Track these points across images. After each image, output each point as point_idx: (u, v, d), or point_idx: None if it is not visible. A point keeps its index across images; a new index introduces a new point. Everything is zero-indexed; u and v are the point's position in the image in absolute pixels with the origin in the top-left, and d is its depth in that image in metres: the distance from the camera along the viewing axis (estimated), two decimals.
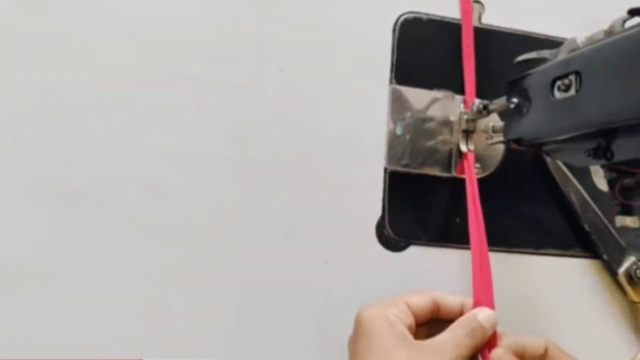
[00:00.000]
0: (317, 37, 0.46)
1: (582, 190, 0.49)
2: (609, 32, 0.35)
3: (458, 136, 0.47)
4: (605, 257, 0.49)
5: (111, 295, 0.41)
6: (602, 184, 0.49)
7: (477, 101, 0.46)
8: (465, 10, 0.48)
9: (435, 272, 0.47)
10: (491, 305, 0.40)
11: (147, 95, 0.43)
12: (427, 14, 0.48)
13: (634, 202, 0.37)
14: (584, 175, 0.49)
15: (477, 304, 0.40)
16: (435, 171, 0.47)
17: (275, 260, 0.44)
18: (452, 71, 0.48)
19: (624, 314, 0.50)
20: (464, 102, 0.47)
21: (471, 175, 0.46)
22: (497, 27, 0.49)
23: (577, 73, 0.35)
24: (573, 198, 0.49)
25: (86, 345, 0.40)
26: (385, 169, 0.46)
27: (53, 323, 0.40)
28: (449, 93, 0.48)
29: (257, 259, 0.44)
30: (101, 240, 0.41)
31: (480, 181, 0.47)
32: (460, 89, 0.48)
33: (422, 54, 0.48)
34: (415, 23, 0.48)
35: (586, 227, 0.49)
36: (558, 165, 0.49)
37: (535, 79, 0.40)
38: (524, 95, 0.40)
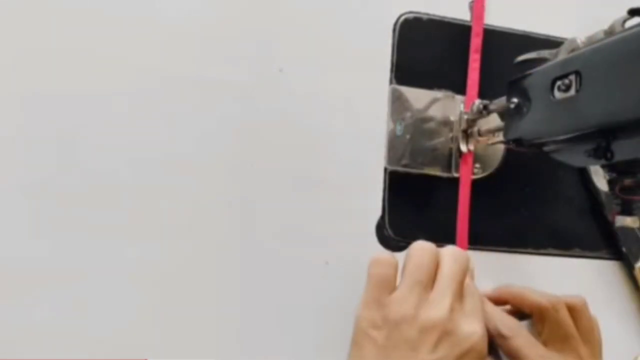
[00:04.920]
0: (317, 37, 0.46)
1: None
2: (609, 32, 0.35)
3: (458, 136, 0.47)
4: (624, 249, 0.49)
5: (112, 296, 0.41)
6: (602, 184, 0.49)
7: (477, 101, 0.46)
8: (478, 13, 0.48)
9: None
10: None
11: (146, 95, 0.43)
12: (427, 14, 0.48)
13: (634, 202, 0.37)
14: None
15: None
16: (435, 171, 0.47)
17: (276, 261, 0.44)
18: (452, 71, 0.48)
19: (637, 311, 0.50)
20: (464, 102, 0.47)
21: (466, 177, 0.46)
22: (497, 27, 0.49)
23: (577, 73, 0.35)
24: (599, 190, 0.49)
25: (88, 345, 0.40)
26: (385, 169, 0.46)
27: (54, 323, 0.40)
28: (449, 93, 0.48)
29: (257, 259, 0.44)
30: (101, 241, 0.41)
31: (481, 181, 0.47)
32: (460, 89, 0.48)
33: (422, 54, 0.48)
34: (415, 23, 0.48)
35: (609, 217, 0.49)
36: None
37: (535, 79, 0.40)
38: (524, 95, 0.40)
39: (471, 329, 0.36)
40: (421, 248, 0.39)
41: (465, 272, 0.39)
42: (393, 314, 0.37)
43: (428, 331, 0.36)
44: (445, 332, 0.36)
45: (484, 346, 0.37)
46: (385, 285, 0.38)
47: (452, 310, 0.36)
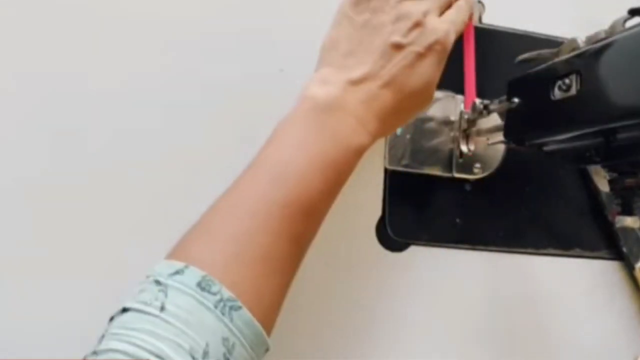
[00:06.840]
0: (317, 37, 0.46)
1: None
2: (610, 32, 0.35)
3: (458, 136, 0.47)
4: (624, 249, 0.50)
5: (112, 296, 0.41)
6: (602, 184, 0.49)
7: (477, 101, 0.46)
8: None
9: (435, 272, 0.47)
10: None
11: (146, 94, 0.43)
12: None
13: (634, 202, 0.37)
14: None
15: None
16: (435, 171, 0.47)
17: None
18: (452, 71, 0.48)
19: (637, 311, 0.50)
20: (464, 102, 0.47)
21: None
22: (497, 27, 0.49)
23: (578, 73, 0.35)
24: (599, 190, 0.49)
25: (88, 345, 0.40)
26: (385, 169, 0.46)
27: (54, 323, 0.40)
28: (449, 93, 0.48)
29: None
30: (100, 240, 0.41)
31: (481, 181, 0.47)
32: (460, 89, 0.47)
33: None
34: None
35: (609, 217, 0.49)
36: None
37: (535, 79, 0.40)
38: (524, 95, 0.40)
39: (439, 27, 0.40)
40: None
41: None
42: (375, 1, 0.40)
43: (402, 19, 0.39)
44: (417, 24, 0.39)
45: (448, 42, 0.40)
46: None
47: (429, 11, 0.40)
